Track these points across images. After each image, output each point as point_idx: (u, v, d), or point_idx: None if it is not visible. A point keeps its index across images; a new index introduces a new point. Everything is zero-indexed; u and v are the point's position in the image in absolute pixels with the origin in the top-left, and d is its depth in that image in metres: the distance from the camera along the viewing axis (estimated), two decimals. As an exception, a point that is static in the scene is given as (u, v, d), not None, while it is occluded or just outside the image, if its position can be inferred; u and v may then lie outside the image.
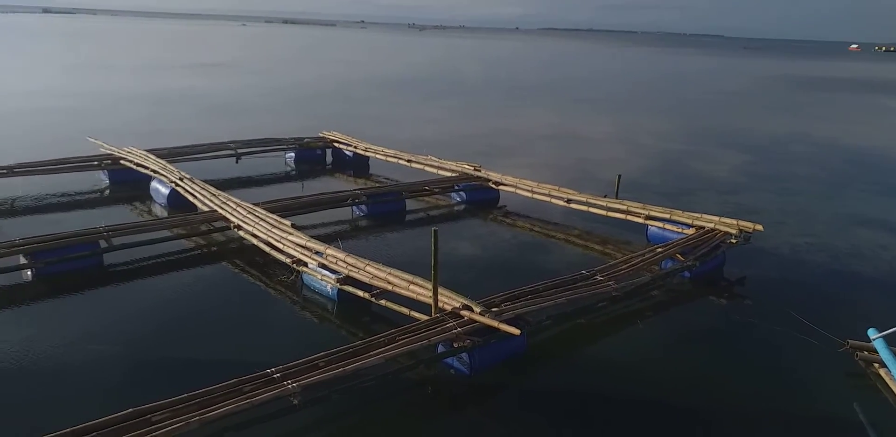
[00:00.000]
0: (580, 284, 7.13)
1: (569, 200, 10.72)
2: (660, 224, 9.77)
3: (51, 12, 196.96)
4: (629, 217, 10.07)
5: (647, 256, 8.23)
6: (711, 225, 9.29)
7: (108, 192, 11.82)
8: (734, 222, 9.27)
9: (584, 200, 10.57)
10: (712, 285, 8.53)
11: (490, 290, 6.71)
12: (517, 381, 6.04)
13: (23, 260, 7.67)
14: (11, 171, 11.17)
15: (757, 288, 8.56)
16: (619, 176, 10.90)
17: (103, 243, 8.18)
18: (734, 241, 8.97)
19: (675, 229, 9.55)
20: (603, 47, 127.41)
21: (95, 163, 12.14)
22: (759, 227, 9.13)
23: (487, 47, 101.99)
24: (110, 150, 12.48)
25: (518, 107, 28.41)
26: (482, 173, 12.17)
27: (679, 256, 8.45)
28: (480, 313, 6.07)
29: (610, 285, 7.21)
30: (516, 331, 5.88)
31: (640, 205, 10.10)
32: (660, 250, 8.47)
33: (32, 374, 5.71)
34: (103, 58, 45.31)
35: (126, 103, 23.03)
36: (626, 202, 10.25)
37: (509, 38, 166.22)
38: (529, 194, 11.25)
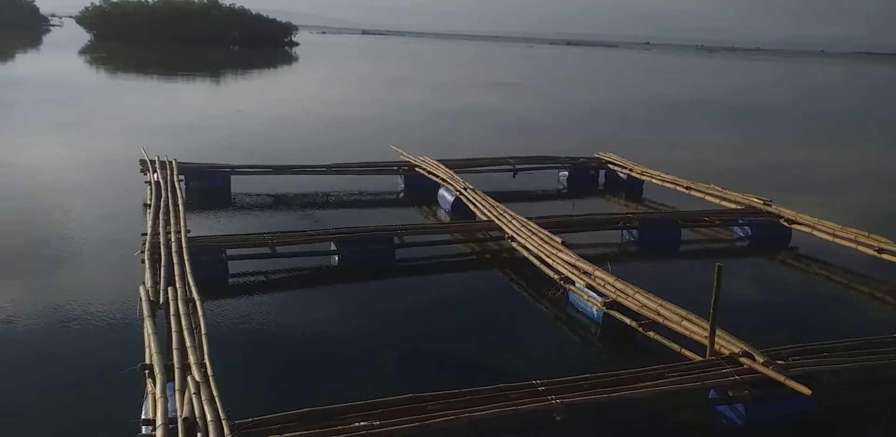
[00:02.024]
0: (891, 348, 6.11)
1: (880, 250, 9.26)
2: None
3: (368, 34, 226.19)
4: (962, 278, 8.39)
5: None
6: None
7: (402, 195, 13.15)
8: None
9: (901, 251, 9.05)
10: None
11: (773, 340, 6.09)
12: (799, 446, 5.37)
13: (332, 246, 8.86)
14: (329, 170, 12.99)
15: None
16: (951, 228, 9.14)
17: (396, 240, 9.11)
18: None
19: None
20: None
21: (395, 168, 13.58)
22: None
23: (785, 71, 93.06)
24: (408, 158, 13.85)
25: (820, 138, 25.44)
26: (773, 209, 11.08)
27: None
28: (764, 364, 5.51)
29: (932, 356, 6.06)
30: (806, 390, 5.22)
31: (980, 266, 8.35)
32: None
33: (325, 348, 6.53)
34: (408, 74, 50.67)
35: (424, 116, 25.47)
36: (959, 260, 8.56)
37: (813, 62, 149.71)
38: (829, 238, 9.95)
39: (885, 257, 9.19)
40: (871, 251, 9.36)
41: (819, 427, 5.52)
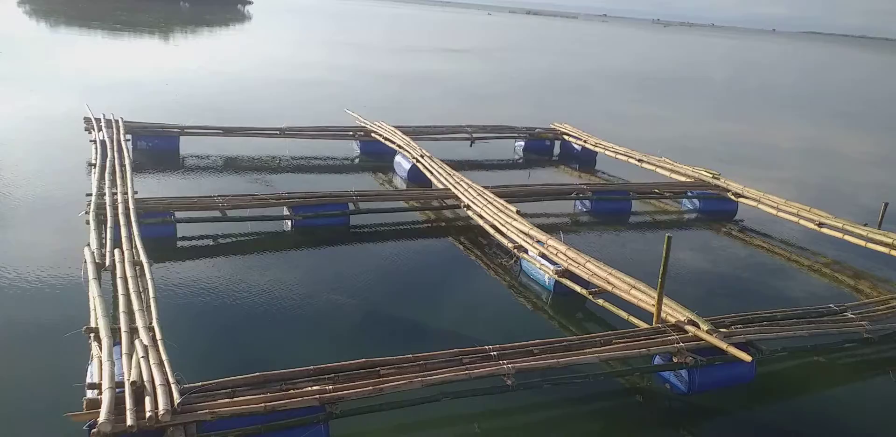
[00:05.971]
0: (826, 318, 6.40)
1: (820, 224, 9.62)
2: (933, 266, 8.40)
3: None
4: (894, 252, 8.79)
5: (912, 300, 7.14)
6: None
7: (357, 160, 12.98)
8: None
9: (839, 225, 9.42)
10: None
11: (717, 309, 6.32)
12: (737, 410, 5.60)
13: (285, 211, 8.71)
14: (282, 133, 12.67)
15: None
16: (886, 204, 9.54)
17: (351, 206, 9.00)
18: None
19: (952, 273, 8.16)
20: (876, 57, 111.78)
21: (350, 133, 13.34)
22: None
23: (739, 48, 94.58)
24: (364, 123, 13.63)
25: (768, 115, 26.05)
26: (721, 182, 11.36)
27: (955, 306, 7.20)
28: (708, 332, 5.71)
29: (862, 324, 6.38)
30: (746, 357, 5.44)
31: (911, 240, 8.76)
32: (930, 295, 7.30)
33: (277, 313, 6.45)
34: (365, 40, 49.57)
35: (381, 81, 25.01)
36: (891, 235, 8.95)
37: (764, 40, 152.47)
38: (774, 212, 10.28)
39: (824, 230, 9.56)
40: (811, 225, 9.72)
41: (756, 391, 5.76)
